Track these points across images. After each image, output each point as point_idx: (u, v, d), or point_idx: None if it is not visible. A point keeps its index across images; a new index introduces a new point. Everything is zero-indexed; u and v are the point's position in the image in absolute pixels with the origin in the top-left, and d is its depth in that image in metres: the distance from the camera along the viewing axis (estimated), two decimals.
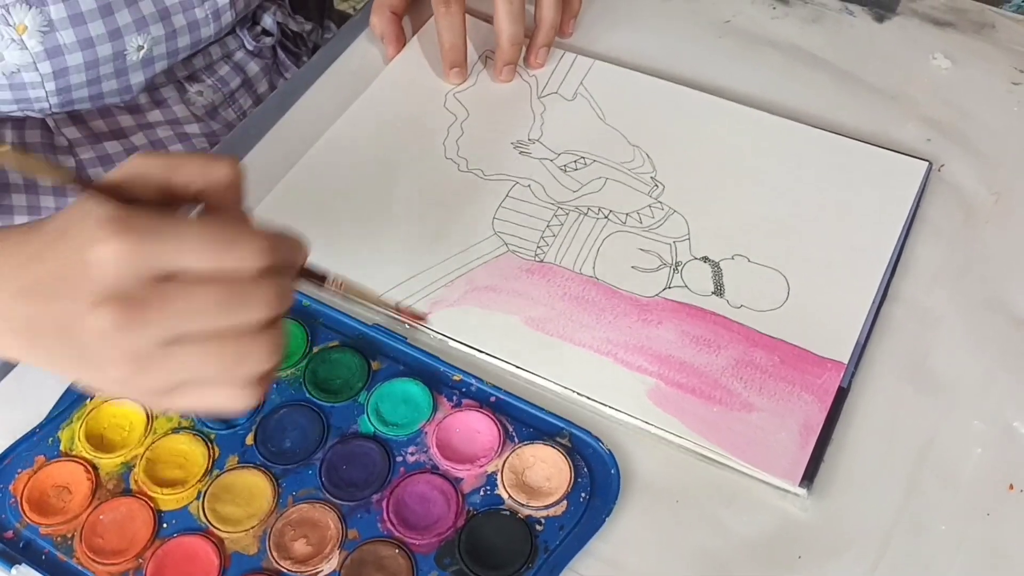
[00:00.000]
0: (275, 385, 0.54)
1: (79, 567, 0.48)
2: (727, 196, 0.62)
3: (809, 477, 0.50)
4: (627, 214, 0.62)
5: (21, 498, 0.50)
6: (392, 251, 0.60)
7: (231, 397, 0.40)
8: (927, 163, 0.63)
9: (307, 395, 0.54)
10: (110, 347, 0.38)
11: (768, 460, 0.51)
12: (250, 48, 0.82)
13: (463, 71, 0.70)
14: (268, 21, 0.83)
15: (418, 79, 0.70)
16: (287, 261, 0.41)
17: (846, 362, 0.54)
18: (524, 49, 0.70)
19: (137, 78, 0.73)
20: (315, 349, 0.56)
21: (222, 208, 0.42)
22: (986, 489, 0.51)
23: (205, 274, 0.38)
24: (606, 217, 0.62)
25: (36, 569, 0.48)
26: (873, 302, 0.57)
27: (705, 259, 0.59)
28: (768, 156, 0.64)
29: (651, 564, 0.48)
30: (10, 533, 0.49)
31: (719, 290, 0.58)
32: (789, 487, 0.50)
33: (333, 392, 0.54)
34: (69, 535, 0.49)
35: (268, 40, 0.83)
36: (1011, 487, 0.50)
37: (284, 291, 0.41)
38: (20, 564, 0.48)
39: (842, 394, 0.53)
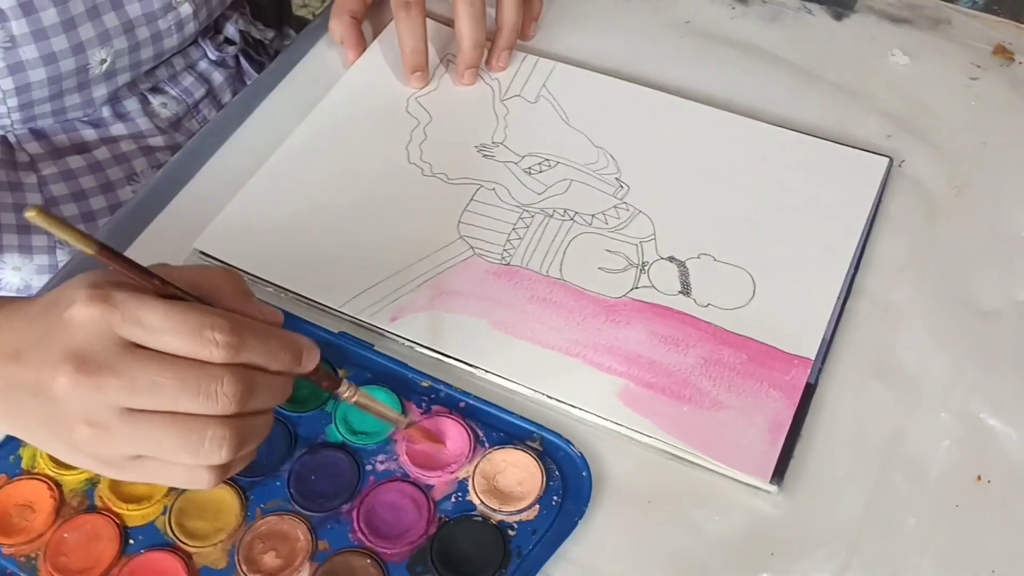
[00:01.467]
0: None
1: None
2: (692, 195, 0.63)
3: (779, 474, 0.50)
4: (593, 215, 0.62)
5: None
6: (355, 258, 0.59)
7: (190, 477, 0.42)
8: (888, 159, 0.64)
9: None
10: (70, 406, 0.40)
11: (738, 457, 0.51)
12: (213, 58, 0.81)
13: (425, 75, 0.69)
14: (231, 30, 0.82)
15: (379, 84, 0.70)
16: (271, 362, 0.42)
17: (813, 358, 0.54)
18: (486, 52, 0.70)
19: (100, 91, 0.71)
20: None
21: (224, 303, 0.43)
22: (954, 481, 0.51)
23: (176, 353, 0.40)
24: (572, 219, 0.62)
25: None
26: (838, 298, 0.57)
27: (671, 259, 0.59)
28: (731, 155, 0.65)
29: (625, 566, 0.48)
30: None
31: (686, 289, 0.58)
32: (760, 484, 0.50)
33: (300, 402, 0.53)
34: (33, 555, 0.48)
35: (231, 49, 0.82)
36: (979, 478, 0.51)
37: (266, 387, 0.42)
38: None
39: (810, 390, 0.54)
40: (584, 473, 0.51)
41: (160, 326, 0.40)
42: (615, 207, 0.62)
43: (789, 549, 0.49)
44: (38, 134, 0.73)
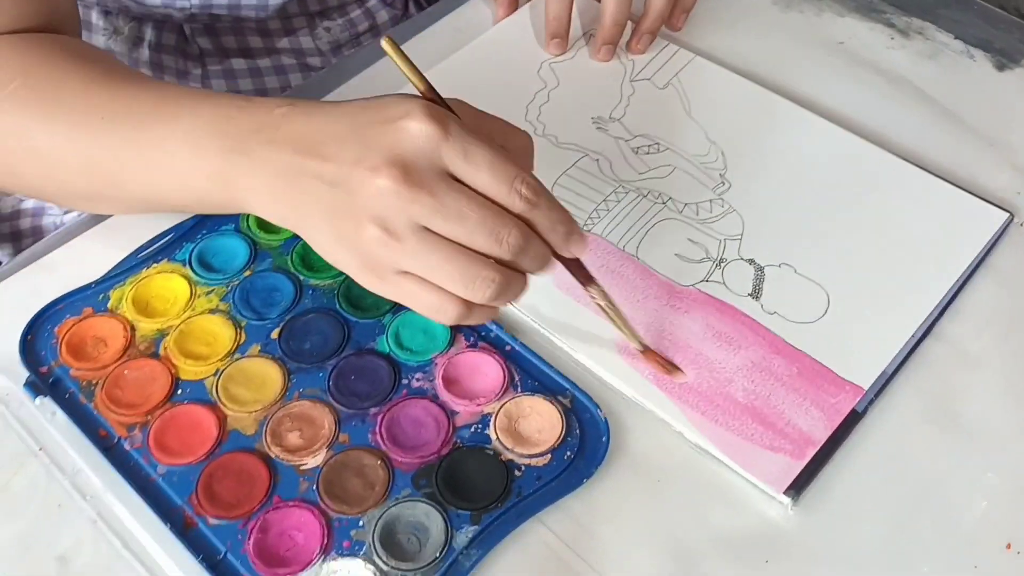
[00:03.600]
0: (310, 291, 0.57)
1: (94, 411, 0.52)
2: (790, 205, 0.62)
3: (797, 488, 0.49)
4: (686, 204, 0.62)
5: (62, 340, 0.55)
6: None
7: (440, 307, 0.44)
8: (1008, 214, 0.61)
9: (337, 306, 0.57)
10: (373, 206, 0.42)
11: (758, 463, 0.50)
12: None
13: (563, 43, 0.71)
14: None
15: (519, 44, 0.72)
16: (548, 231, 0.45)
17: (866, 388, 0.53)
18: (629, 34, 0.71)
19: None
20: None
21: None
22: (982, 542, 0.49)
23: (484, 192, 0.43)
24: (664, 203, 0.62)
25: (58, 404, 0.52)
26: (913, 336, 0.55)
27: (751, 261, 0.59)
28: (843, 175, 0.63)
29: (619, 534, 0.49)
30: (44, 368, 0.54)
31: (756, 293, 0.57)
32: (774, 493, 0.49)
33: (362, 308, 0.57)
34: (94, 381, 0.53)
35: None
36: (1008, 546, 0.48)
37: (536, 250, 0.45)
38: (45, 397, 0.52)
39: (855, 418, 0.52)
40: (603, 438, 0.51)
41: (481, 164, 0.43)
42: (711, 201, 0.62)
43: (786, 562, 0.48)
44: (210, 31, 0.80)
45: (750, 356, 0.54)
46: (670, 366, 0.53)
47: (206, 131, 0.48)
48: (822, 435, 0.51)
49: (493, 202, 0.44)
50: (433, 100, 0.46)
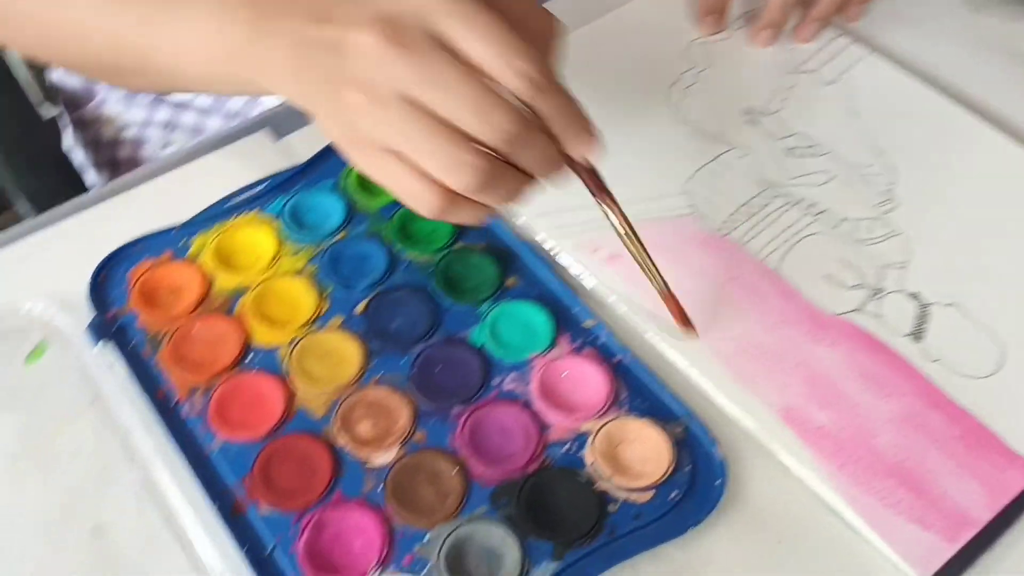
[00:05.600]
0: (405, 264, 0.51)
1: (156, 367, 0.47)
2: (967, 236, 0.53)
3: None
4: (843, 220, 0.54)
5: (134, 284, 0.50)
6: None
7: (420, 194, 0.39)
8: None
9: (432, 285, 0.51)
10: (357, 67, 0.37)
11: (902, 537, 0.42)
12: None
13: (718, 20, 0.63)
14: None
15: (668, 17, 0.65)
16: (557, 123, 0.39)
17: None
18: (795, 20, 0.63)
19: None
20: (458, 244, 0.52)
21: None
22: None
23: (479, 65, 0.37)
24: (816, 215, 0.54)
25: (120, 353, 0.47)
26: None
27: (914, 296, 0.50)
28: None
29: None
30: (111, 312, 0.49)
31: (917, 334, 0.49)
32: None
33: (459, 292, 0.50)
34: (161, 334, 0.48)
35: None
36: None
37: (538, 145, 0.38)
38: (107, 343, 0.48)
39: None
40: (718, 481, 0.44)
41: (479, 33, 0.37)
42: (872, 219, 0.54)
43: None
44: None
45: (903, 407, 0.46)
46: (687, 321, 0.46)
47: (232, 2, 0.43)
48: (983, 515, 0.43)
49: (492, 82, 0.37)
50: None
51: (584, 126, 0.40)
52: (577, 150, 0.40)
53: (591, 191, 0.43)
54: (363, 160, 0.40)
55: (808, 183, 0.55)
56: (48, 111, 0.78)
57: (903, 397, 0.46)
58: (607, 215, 0.44)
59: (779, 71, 0.62)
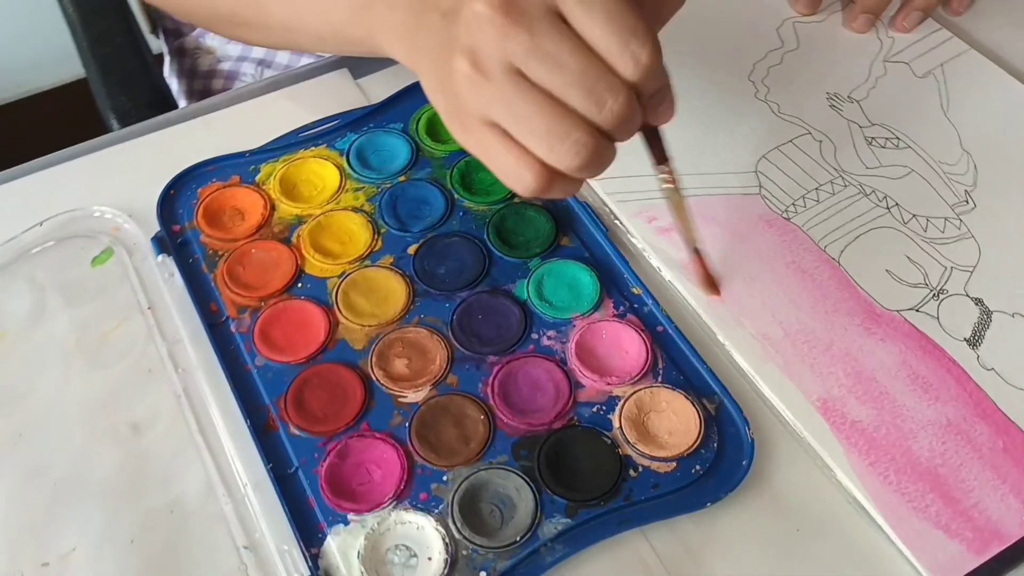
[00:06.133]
0: (461, 212, 0.52)
1: (211, 283, 0.49)
2: None
3: None
4: (914, 215, 0.52)
5: (202, 203, 0.52)
6: (635, 141, 0.54)
7: (519, 171, 0.38)
8: None
9: (485, 236, 0.51)
10: (466, 36, 0.36)
11: (926, 543, 0.41)
12: None
13: (813, 2, 0.61)
14: None
15: None
16: (655, 98, 0.38)
17: None
18: (895, 7, 0.60)
19: None
20: (516, 198, 0.52)
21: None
22: None
23: (594, 45, 0.36)
24: (888, 208, 0.52)
25: (178, 267, 0.49)
26: None
27: (978, 301, 0.48)
28: None
29: (729, 575, 0.41)
30: (177, 227, 0.51)
31: (975, 340, 0.47)
32: None
33: (511, 245, 0.51)
34: (220, 252, 0.50)
35: None
36: None
37: (635, 119, 0.37)
38: (169, 256, 0.50)
39: None
40: (745, 461, 0.43)
41: (598, 10, 0.35)
42: (947, 219, 0.52)
43: None
44: None
45: (948, 412, 0.44)
46: (711, 282, 0.46)
47: None
48: (1015, 532, 0.41)
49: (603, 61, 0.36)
50: None
51: (672, 99, 0.39)
52: (659, 120, 0.40)
53: (652, 156, 0.43)
54: (464, 133, 0.39)
55: (884, 175, 0.54)
56: (153, 41, 0.81)
57: (950, 402, 0.45)
58: (662, 179, 0.43)
59: (869, 59, 0.60)
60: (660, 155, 0.43)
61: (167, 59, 0.83)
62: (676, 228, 0.47)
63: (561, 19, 0.36)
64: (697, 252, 0.47)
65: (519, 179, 0.38)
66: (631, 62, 0.35)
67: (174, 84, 0.82)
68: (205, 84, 0.79)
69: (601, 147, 0.37)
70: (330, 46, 0.49)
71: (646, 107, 0.38)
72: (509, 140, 0.37)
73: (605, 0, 0.35)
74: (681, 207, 0.45)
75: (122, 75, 0.74)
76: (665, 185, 0.44)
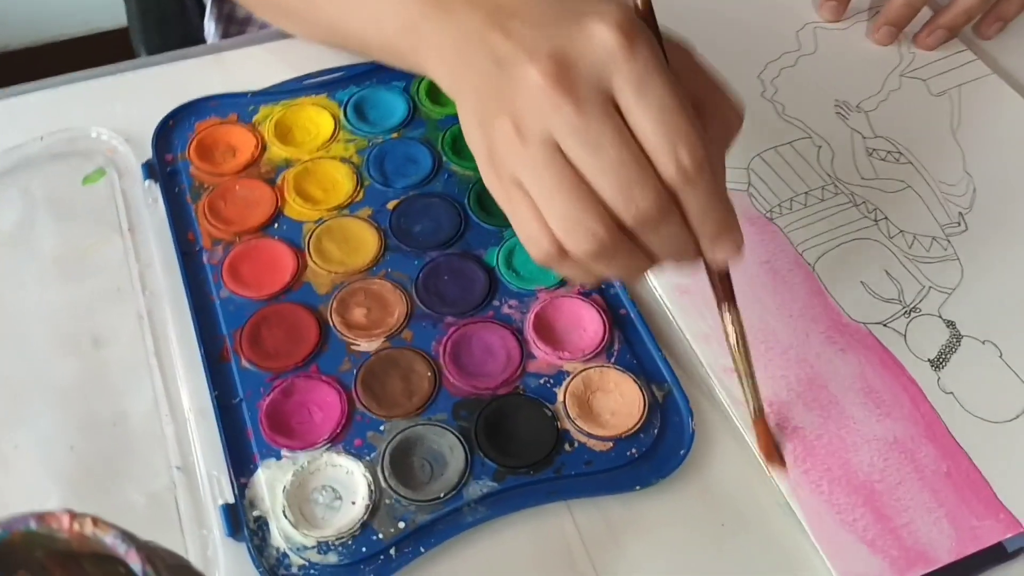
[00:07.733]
0: (447, 175, 0.52)
1: (192, 213, 0.50)
2: None
3: None
4: (902, 231, 0.51)
5: (197, 136, 0.53)
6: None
7: (538, 240, 0.37)
8: None
9: (466, 200, 0.51)
10: (517, 98, 0.36)
11: (848, 556, 0.40)
12: None
13: (839, 9, 0.61)
14: None
15: None
16: (697, 218, 0.36)
17: None
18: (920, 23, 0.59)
19: None
20: None
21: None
22: None
23: (640, 138, 0.35)
24: (876, 221, 0.51)
25: (164, 194, 0.50)
26: None
27: (950, 324, 0.47)
28: None
29: (647, 560, 0.41)
30: (170, 156, 0.52)
31: (939, 362, 0.46)
32: None
33: (488, 212, 0.51)
34: (206, 185, 0.51)
35: None
36: None
37: (672, 235, 0.36)
38: (156, 183, 0.51)
39: (997, 555, 0.41)
40: (682, 451, 0.43)
41: (652, 101, 0.34)
42: (935, 238, 0.51)
43: None
44: None
45: (897, 429, 0.44)
46: (775, 453, 0.43)
47: None
48: (942, 557, 0.40)
49: (647, 156, 0.35)
50: (646, 20, 0.37)
51: (727, 231, 0.37)
52: (713, 254, 0.38)
53: (717, 297, 0.41)
54: (496, 185, 0.38)
55: (878, 187, 0.53)
56: None
57: (900, 420, 0.44)
58: (724, 324, 0.41)
59: (886, 71, 0.58)
60: (719, 295, 0.41)
61: (208, 2, 0.84)
62: (740, 385, 0.43)
63: (613, 104, 0.35)
64: (762, 415, 0.43)
65: (534, 245, 0.38)
66: (672, 164, 0.34)
67: (211, 28, 0.83)
68: (240, 30, 0.80)
69: (618, 243, 0.36)
70: (374, 53, 0.48)
71: (700, 233, 0.37)
72: (533, 206, 0.37)
73: (664, 97, 0.34)
74: (744, 361, 0.42)
75: (159, 16, 0.76)
76: (727, 331, 0.41)
